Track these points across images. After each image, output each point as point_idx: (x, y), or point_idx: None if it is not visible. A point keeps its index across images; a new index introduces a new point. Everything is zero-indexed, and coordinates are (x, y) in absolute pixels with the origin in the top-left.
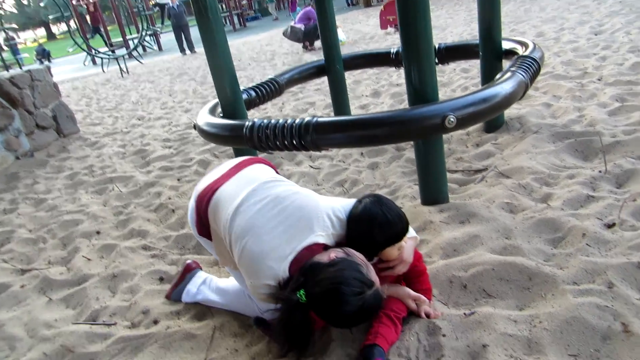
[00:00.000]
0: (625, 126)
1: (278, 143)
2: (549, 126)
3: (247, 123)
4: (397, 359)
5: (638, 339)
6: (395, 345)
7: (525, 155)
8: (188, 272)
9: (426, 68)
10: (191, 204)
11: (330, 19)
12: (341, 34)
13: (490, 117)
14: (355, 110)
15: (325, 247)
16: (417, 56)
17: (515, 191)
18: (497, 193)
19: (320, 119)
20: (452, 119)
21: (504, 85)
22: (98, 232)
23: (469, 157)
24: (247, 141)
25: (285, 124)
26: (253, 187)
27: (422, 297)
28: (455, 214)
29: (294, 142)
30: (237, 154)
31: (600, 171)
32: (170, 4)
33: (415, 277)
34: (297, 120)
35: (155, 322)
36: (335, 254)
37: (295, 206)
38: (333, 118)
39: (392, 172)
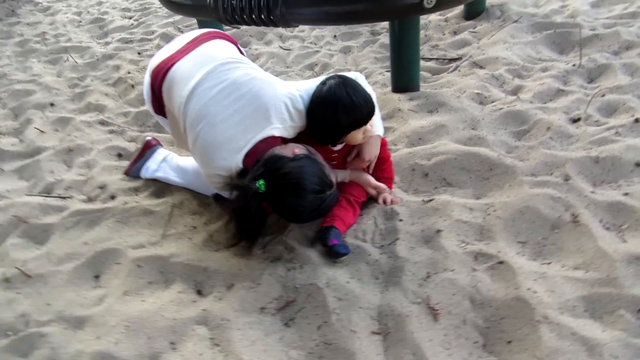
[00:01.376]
0: (606, 19)
1: (245, 16)
2: (530, 15)
3: None
4: (353, 240)
5: (585, 229)
6: (352, 227)
7: (501, 45)
8: (148, 148)
9: None
10: (146, 79)
11: None
12: None
13: None
14: None
15: (283, 140)
16: None
17: (487, 82)
18: (468, 83)
19: None
20: None
21: None
22: (52, 104)
23: (445, 45)
24: (211, 12)
25: None
26: (209, 69)
27: (383, 185)
28: (425, 102)
29: (262, 15)
30: (202, 27)
31: (574, 65)
32: None
33: (379, 164)
34: None
35: (113, 197)
36: (298, 149)
37: (252, 94)
38: None
39: (364, 57)
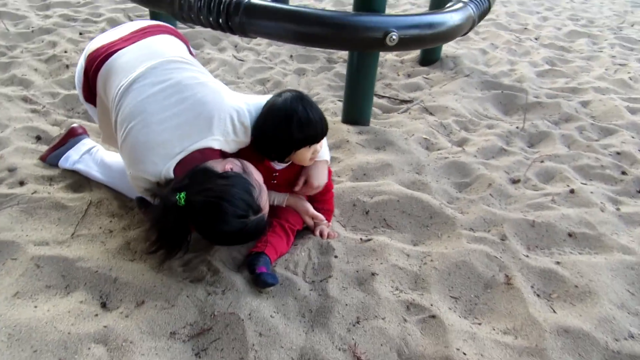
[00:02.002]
0: (549, 89)
1: (202, 17)
2: (481, 72)
3: None
4: (283, 271)
5: (517, 292)
6: (284, 257)
7: (452, 96)
8: (72, 136)
9: None
10: (80, 63)
11: None
12: None
13: (432, 45)
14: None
15: (221, 154)
16: None
17: (435, 129)
18: (417, 127)
19: (253, 0)
20: (394, 37)
21: (453, 15)
22: None
23: (398, 86)
24: (166, 6)
25: (215, 1)
26: (153, 64)
27: (321, 216)
28: (373, 138)
29: (220, 20)
30: (154, 19)
31: (517, 127)
32: None
33: (320, 194)
34: None
35: (22, 183)
36: (231, 165)
37: (196, 99)
38: (268, 3)
39: (318, 83)
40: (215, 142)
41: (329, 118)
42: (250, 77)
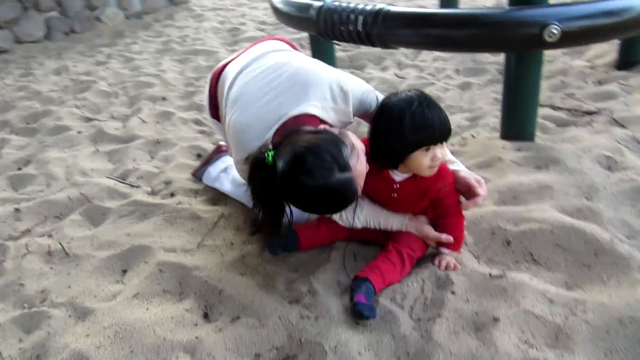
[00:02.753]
0: None
1: (342, 30)
2: None
3: (315, 3)
4: (387, 303)
5: None
6: (392, 287)
7: None
8: (216, 153)
9: None
10: (208, 82)
11: None
12: None
13: (612, 37)
14: None
15: (320, 122)
16: None
17: (625, 144)
18: (599, 142)
19: (393, 8)
20: (554, 30)
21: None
22: (164, 98)
23: (583, 95)
24: (313, 24)
25: (355, 10)
26: (256, 56)
27: (446, 237)
28: (534, 155)
29: (359, 32)
30: (312, 41)
31: None
32: None
33: (448, 216)
34: (369, 7)
35: (172, 194)
36: (325, 126)
37: (292, 72)
38: (407, 9)
39: (483, 96)
40: (313, 107)
41: (485, 134)
42: None
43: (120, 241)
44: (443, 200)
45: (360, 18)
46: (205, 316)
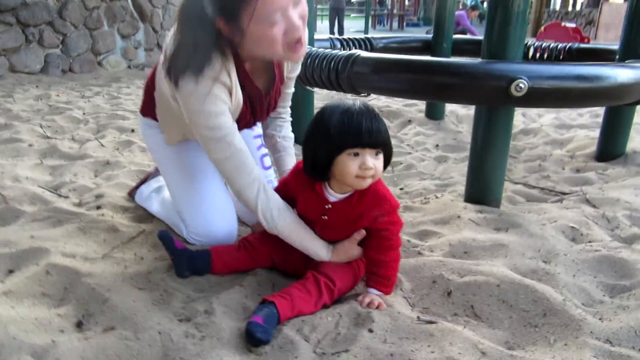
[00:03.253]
0: None
1: (315, 77)
2: None
3: None
4: (292, 333)
5: None
6: (302, 317)
7: (630, 190)
8: (154, 173)
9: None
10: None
11: None
12: None
13: (581, 104)
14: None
15: None
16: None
17: (593, 220)
18: (566, 215)
19: (363, 54)
20: (521, 85)
21: (627, 71)
22: (133, 130)
23: (559, 179)
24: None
25: (329, 55)
26: None
27: (360, 234)
28: (495, 218)
29: (330, 77)
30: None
31: None
32: None
33: (383, 251)
34: (341, 53)
35: (98, 207)
36: None
37: None
38: (377, 55)
39: (457, 170)
40: None
41: (448, 196)
42: None
43: (20, 242)
44: (380, 232)
45: (332, 64)
46: (79, 324)
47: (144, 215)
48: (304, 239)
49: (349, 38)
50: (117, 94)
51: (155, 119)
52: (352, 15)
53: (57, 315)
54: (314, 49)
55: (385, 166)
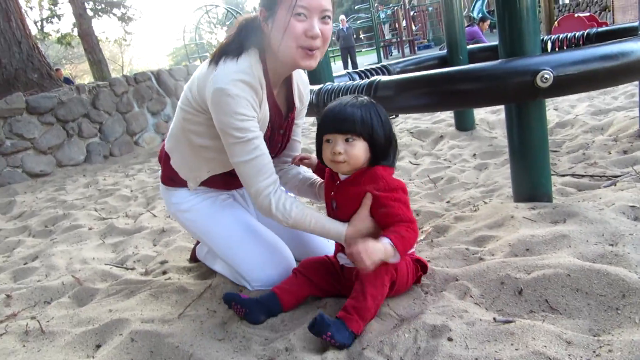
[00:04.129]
0: None
1: None
2: None
3: (314, 88)
4: (373, 354)
5: None
6: (379, 338)
7: None
8: None
9: (523, 13)
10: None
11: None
12: None
13: (609, 83)
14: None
15: None
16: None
17: None
18: (623, 196)
19: (383, 78)
20: (547, 75)
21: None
22: None
23: (607, 163)
24: (313, 107)
25: (351, 86)
26: None
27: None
28: (550, 212)
29: None
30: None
31: None
32: (340, 27)
33: (394, 226)
34: (362, 82)
35: (164, 272)
36: None
37: None
38: (397, 76)
39: (500, 174)
40: None
41: (497, 200)
42: (422, 178)
43: (100, 317)
44: (383, 209)
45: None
46: None
47: (207, 272)
48: (319, 219)
49: (365, 69)
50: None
51: (175, 184)
52: (362, 50)
53: None
54: (334, 84)
55: (380, 156)
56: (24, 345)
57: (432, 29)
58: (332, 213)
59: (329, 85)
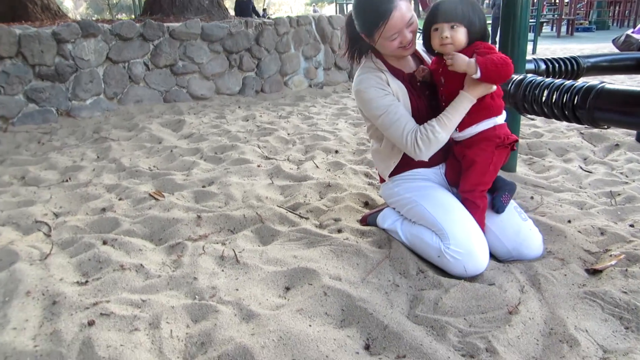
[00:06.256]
0: None
1: (545, 108)
2: None
3: (515, 77)
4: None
5: None
6: None
7: None
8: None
9: None
10: None
11: None
12: None
13: None
14: None
15: None
16: None
17: None
18: None
19: (608, 86)
20: None
21: None
22: (337, 151)
23: None
24: (510, 97)
25: (562, 85)
26: None
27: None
28: None
29: (565, 109)
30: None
31: None
32: None
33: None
34: (578, 83)
35: (339, 231)
36: None
37: None
38: (628, 88)
39: None
40: None
41: None
42: (595, 189)
43: (286, 260)
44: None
45: (567, 95)
46: (367, 347)
47: (383, 240)
48: (449, 112)
49: (553, 59)
50: (307, 113)
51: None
52: None
53: (347, 337)
54: (539, 78)
55: (479, 38)
56: (222, 270)
57: (599, 11)
58: (441, 88)
59: (531, 77)
